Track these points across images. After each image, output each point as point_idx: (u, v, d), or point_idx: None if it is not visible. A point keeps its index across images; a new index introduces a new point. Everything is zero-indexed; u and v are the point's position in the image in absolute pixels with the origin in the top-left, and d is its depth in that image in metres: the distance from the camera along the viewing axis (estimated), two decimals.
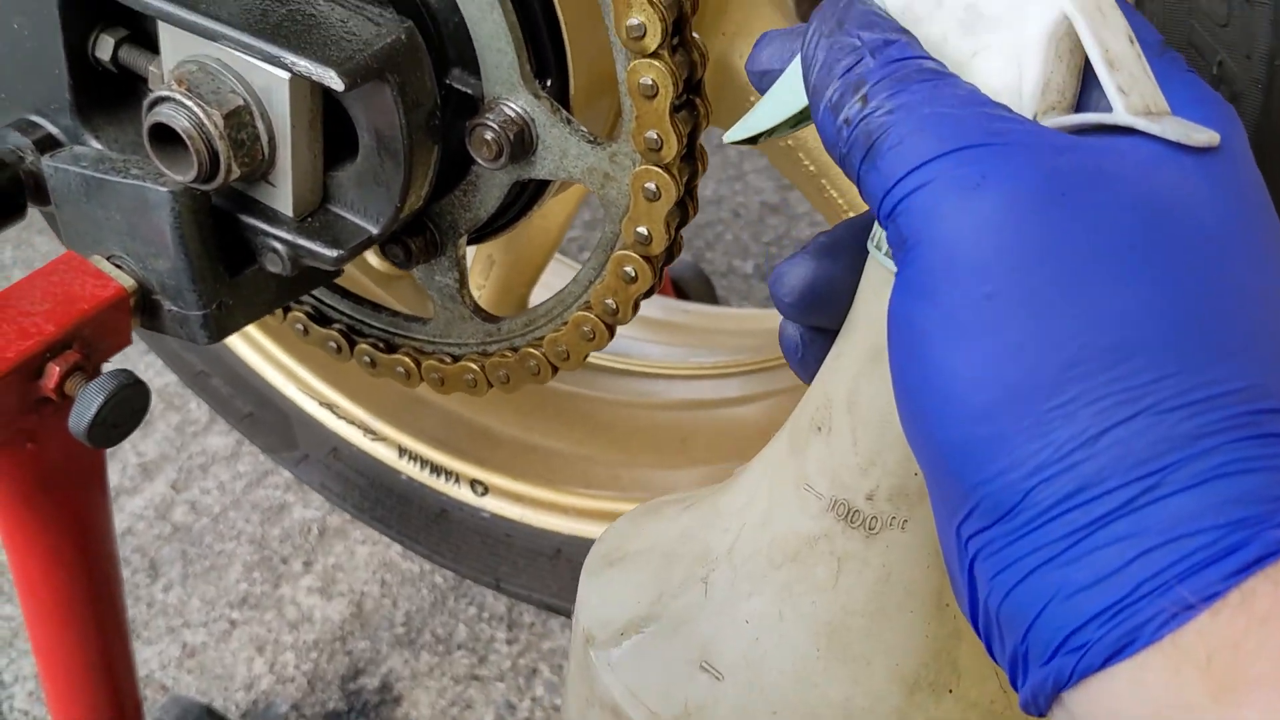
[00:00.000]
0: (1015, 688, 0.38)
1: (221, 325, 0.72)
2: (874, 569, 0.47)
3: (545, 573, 1.00)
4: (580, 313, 0.76)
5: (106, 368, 0.71)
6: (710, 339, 1.15)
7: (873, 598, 0.47)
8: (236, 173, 0.67)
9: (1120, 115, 0.38)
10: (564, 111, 0.70)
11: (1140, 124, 0.37)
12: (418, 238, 0.78)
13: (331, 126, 0.69)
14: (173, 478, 1.43)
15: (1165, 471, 0.34)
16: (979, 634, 0.39)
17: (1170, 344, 0.35)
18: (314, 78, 0.64)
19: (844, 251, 0.47)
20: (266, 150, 0.68)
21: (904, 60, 0.40)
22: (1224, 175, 0.38)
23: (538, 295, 1.16)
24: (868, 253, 0.45)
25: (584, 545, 0.98)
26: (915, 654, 0.47)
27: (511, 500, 1.01)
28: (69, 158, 0.72)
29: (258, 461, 1.44)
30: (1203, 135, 0.38)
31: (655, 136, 0.67)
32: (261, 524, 1.37)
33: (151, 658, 1.23)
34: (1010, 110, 0.39)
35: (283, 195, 0.70)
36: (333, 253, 0.70)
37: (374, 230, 0.71)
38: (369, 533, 1.34)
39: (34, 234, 1.81)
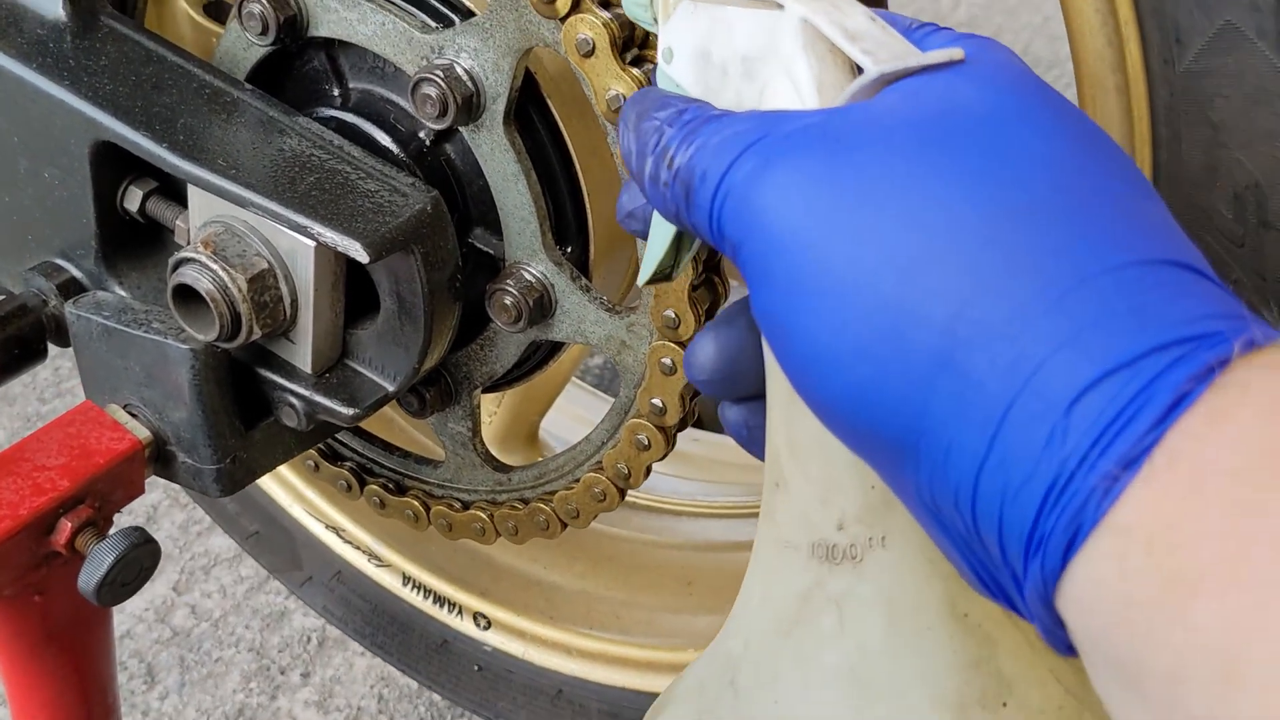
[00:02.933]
0: (1029, 619, 0.37)
1: (235, 479, 0.72)
2: (873, 598, 0.46)
3: (545, 712, 0.99)
4: (592, 474, 0.76)
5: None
6: (721, 472, 1.14)
7: (884, 628, 0.46)
8: (258, 333, 0.68)
9: (871, 70, 0.41)
10: (584, 279, 0.70)
11: (889, 68, 0.41)
12: (433, 388, 0.79)
13: (354, 284, 0.70)
14: (174, 579, 1.43)
15: (1040, 339, 0.34)
16: (999, 598, 0.38)
17: (982, 230, 0.36)
18: (340, 249, 0.64)
19: (740, 316, 0.49)
20: (289, 311, 0.68)
21: (695, 117, 0.44)
22: (986, 78, 0.40)
23: (550, 419, 1.17)
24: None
25: (585, 687, 0.98)
26: (950, 673, 0.45)
27: (514, 636, 1.00)
28: (91, 305, 0.72)
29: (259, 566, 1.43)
30: (941, 54, 0.41)
31: (673, 315, 0.67)
32: (261, 631, 1.37)
33: None
34: (789, 111, 0.42)
35: (302, 352, 0.71)
36: (349, 410, 0.71)
37: (391, 388, 0.72)
38: None
39: None
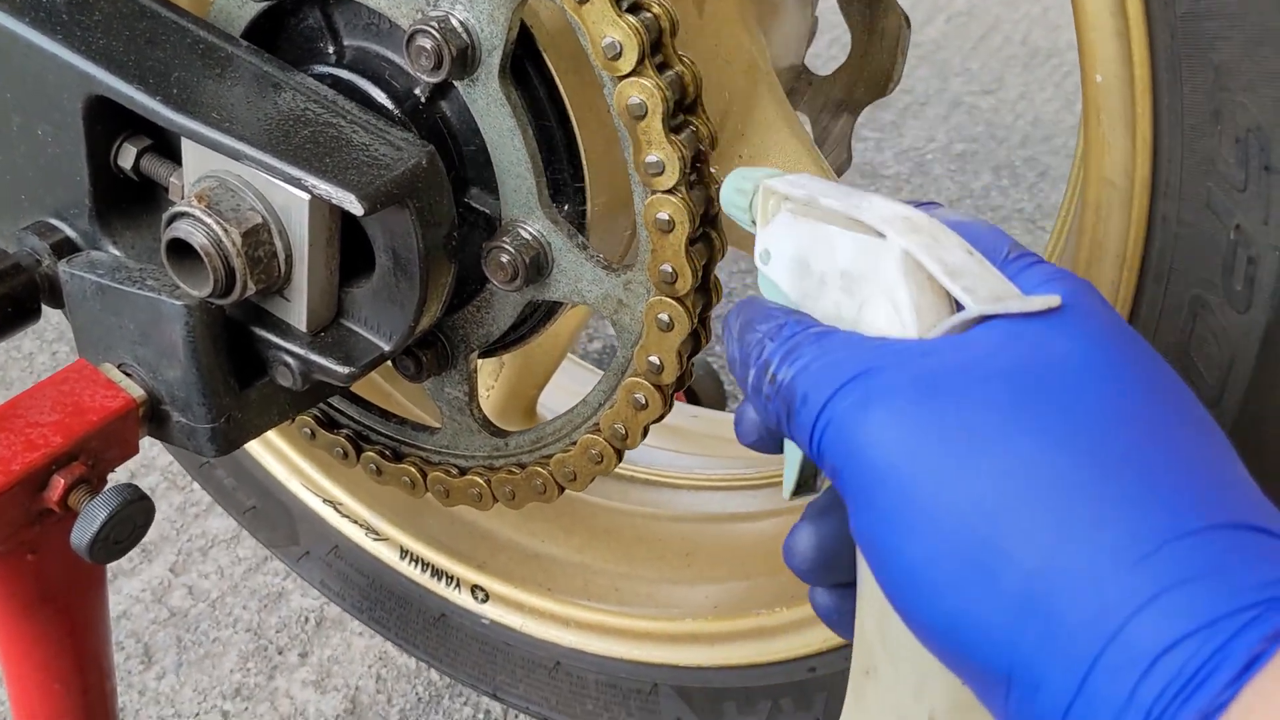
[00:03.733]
0: None
1: (230, 438, 0.72)
2: None
3: (544, 684, 0.99)
4: (589, 435, 0.76)
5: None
6: (719, 447, 1.14)
7: None
8: (252, 289, 0.67)
9: (972, 308, 0.44)
10: (580, 237, 0.70)
11: (989, 308, 0.44)
12: (429, 351, 0.78)
13: (349, 242, 0.69)
14: (172, 560, 1.42)
15: (1126, 595, 0.37)
16: None
17: (1072, 483, 0.39)
18: (334, 201, 0.64)
19: (835, 509, 0.52)
20: (283, 267, 0.68)
21: (796, 334, 0.47)
22: (1077, 327, 0.44)
23: (548, 394, 1.16)
24: None
25: (583, 659, 0.97)
26: None
27: (512, 608, 1.00)
28: (85, 264, 0.72)
29: (258, 546, 1.43)
30: (1039, 300, 0.44)
31: (670, 270, 0.67)
32: (259, 611, 1.36)
33: None
34: (888, 340, 0.45)
35: (297, 310, 0.70)
36: (344, 369, 0.70)
37: (386, 347, 0.71)
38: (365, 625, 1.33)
39: None
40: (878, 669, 0.49)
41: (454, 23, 0.66)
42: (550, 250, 0.70)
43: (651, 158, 0.64)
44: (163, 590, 1.39)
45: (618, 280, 0.69)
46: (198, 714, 1.25)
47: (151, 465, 1.54)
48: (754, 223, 0.54)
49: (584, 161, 0.72)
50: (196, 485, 1.50)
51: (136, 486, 0.67)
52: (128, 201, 0.75)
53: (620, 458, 0.76)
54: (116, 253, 0.75)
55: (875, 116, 2.31)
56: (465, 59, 0.66)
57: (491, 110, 0.68)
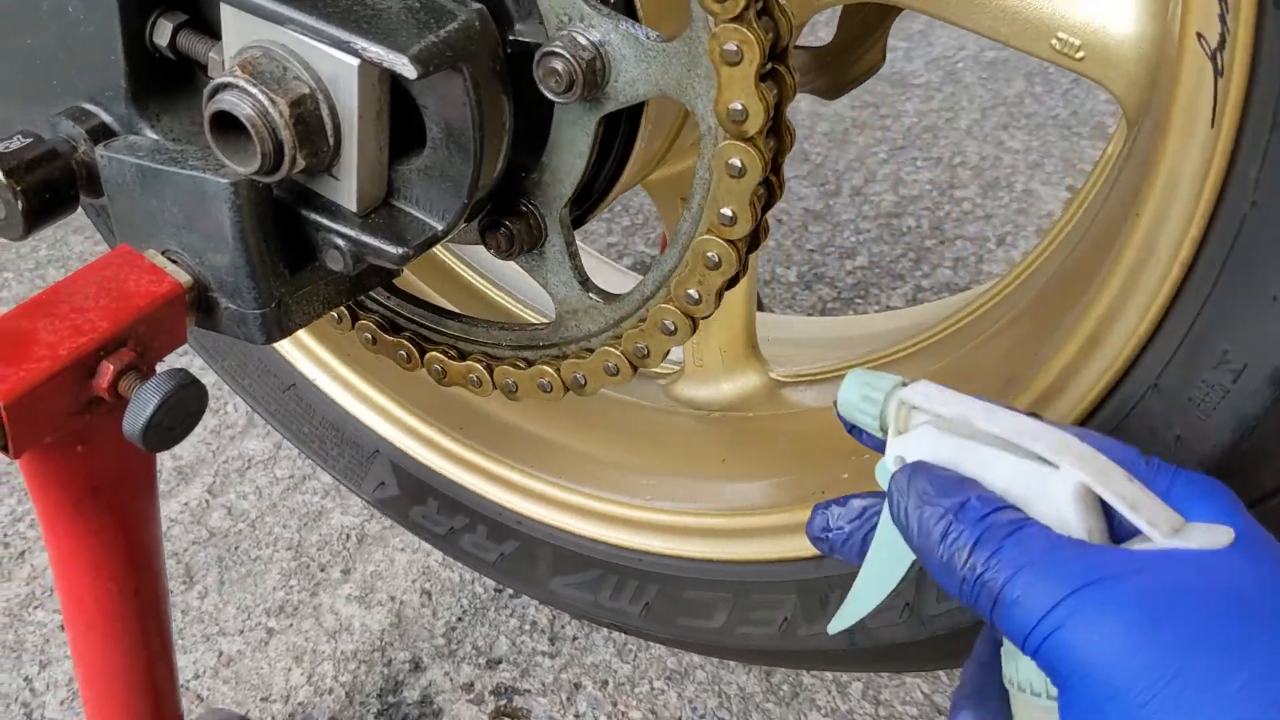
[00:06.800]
0: None
1: (281, 325, 0.69)
2: None
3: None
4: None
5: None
6: (796, 350, 1.11)
7: None
8: (300, 164, 0.64)
9: (1158, 542, 0.49)
10: (629, 20, 0.64)
11: (1174, 544, 0.49)
12: (517, 220, 0.73)
13: (397, 117, 0.66)
14: (209, 481, 1.40)
15: None
16: None
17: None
18: (385, 64, 0.61)
19: (990, 693, 0.56)
20: (331, 141, 0.65)
21: (986, 516, 0.51)
22: (1250, 552, 0.49)
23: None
24: (1008, 691, 0.54)
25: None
26: None
27: None
28: (124, 147, 0.69)
29: (296, 466, 1.41)
30: (1224, 536, 0.49)
31: (740, 108, 0.62)
32: (299, 530, 1.34)
33: (186, 666, 1.20)
34: (1098, 548, 0.50)
35: (346, 189, 0.67)
36: (397, 250, 0.67)
37: (440, 227, 0.68)
38: (409, 539, 1.31)
39: (69, 232, 1.79)
40: None
41: None
42: (604, 48, 0.64)
43: None
44: (201, 511, 1.37)
45: (682, 51, 0.63)
46: (242, 630, 1.23)
47: None
48: (883, 430, 0.56)
49: None
50: (231, 408, 1.48)
51: (187, 371, 0.64)
52: (165, 83, 0.72)
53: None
54: (155, 137, 0.72)
55: (903, 26, 2.26)
56: None
57: None
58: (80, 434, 0.65)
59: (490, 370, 0.80)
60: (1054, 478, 0.51)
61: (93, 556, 0.70)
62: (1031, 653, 0.48)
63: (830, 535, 0.61)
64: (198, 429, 1.46)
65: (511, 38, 0.66)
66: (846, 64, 1.05)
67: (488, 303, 1.18)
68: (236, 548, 1.33)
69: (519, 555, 1.05)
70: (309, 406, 1.12)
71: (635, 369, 0.76)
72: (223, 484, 1.40)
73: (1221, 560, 0.48)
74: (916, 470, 0.54)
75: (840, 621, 0.59)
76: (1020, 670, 0.53)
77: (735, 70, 0.62)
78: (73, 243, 1.78)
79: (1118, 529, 0.52)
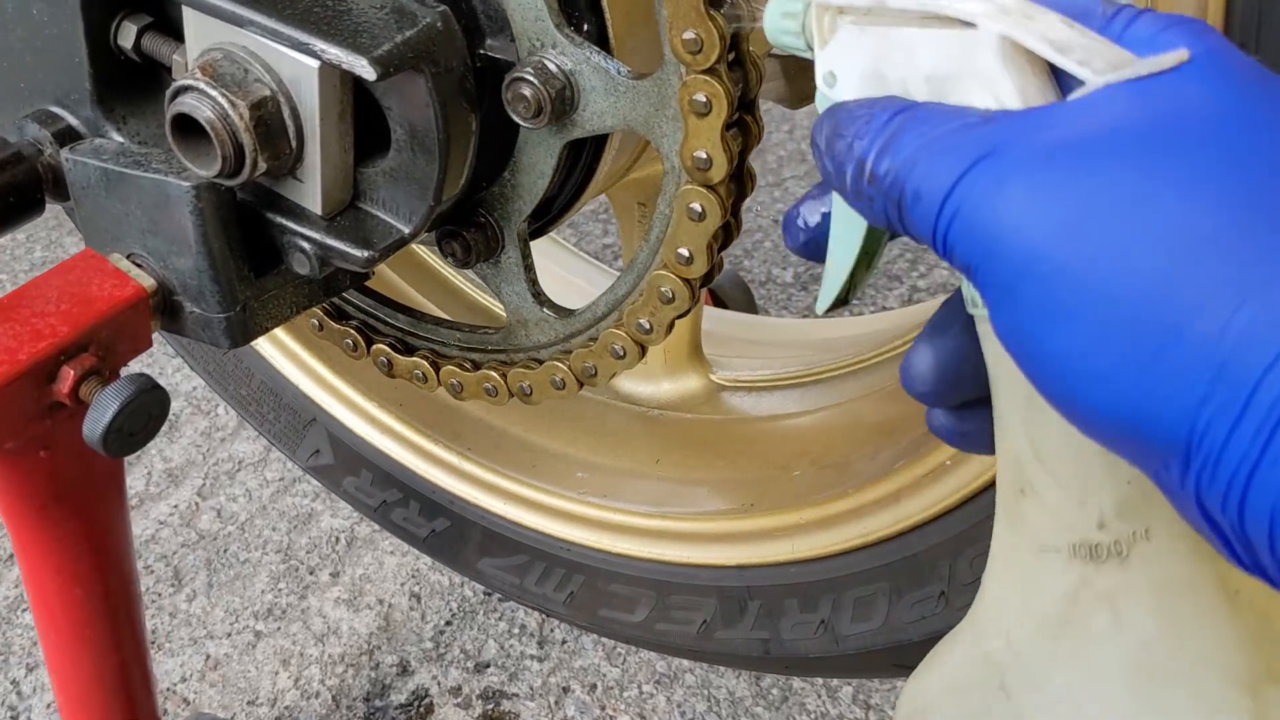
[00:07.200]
0: None
1: (246, 328, 0.69)
2: (1146, 590, 0.45)
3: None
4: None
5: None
6: (749, 350, 1.11)
7: (1161, 617, 0.45)
8: (262, 167, 0.64)
9: (1093, 81, 0.40)
10: (601, 52, 0.64)
11: (1112, 78, 0.40)
12: (475, 232, 0.73)
13: (362, 119, 0.66)
14: (199, 484, 1.40)
15: None
16: (1254, 570, 0.38)
17: (1239, 241, 0.36)
18: (345, 66, 0.60)
19: (954, 322, 0.48)
20: (294, 143, 0.64)
21: (890, 118, 0.43)
22: (1209, 75, 0.39)
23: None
24: (973, 316, 0.46)
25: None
26: (1235, 651, 0.45)
27: None
28: (89, 150, 0.69)
29: (286, 469, 1.41)
30: (1167, 58, 0.40)
31: (705, 157, 0.62)
32: (289, 532, 1.34)
33: (174, 669, 1.20)
34: (999, 114, 0.41)
35: (311, 192, 0.67)
36: (363, 253, 0.67)
37: (406, 230, 0.67)
38: (397, 543, 1.30)
39: (64, 234, 1.79)
40: (1034, 486, 0.46)
41: None
42: (574, 77, 0.64)
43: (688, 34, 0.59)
44: (190, 514, 1.37)
45: (650, 87, 0.63)
46: (230, 634, 1.23)
47: (175, 391, 1.51)
48: (810, 47, 0.50)
49: None
50: (221, 410, 1.48)
51: (149, 376, 0.63)
52: (130, 85, 0.71)
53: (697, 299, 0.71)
54: (121, 140, 0.71)
55: None
56: None
57: None
58: (42, 439, 0.64)
59: (436, 368, 0.80)
60: (977, 42, 0.43)
61: (58, 562, 0.70)
62: (941, 251, 0.41)
63: (806, 236, 0.52)
64: (188, 431, 1.46)
65: (482, 51, 0.66)
66: (811, 74, 1.04)
67: (476, 307, 1.18)
68: (225, 550, 1.32)
69: (449, 534, 1.07)
70: (248, 370, 1.12)
71: (581, 385, 0.76)
72: (212, 486, 1.40)
73: (1165, 86, 0.40)
74: (826, 115, 0.47)
75: (822, 303, 0.53)
76: (966, 284, 0.46)
77: (703, 121, 0.63)
78: (68, 244, 1.78)
79: (1073, 86, 0.43)
